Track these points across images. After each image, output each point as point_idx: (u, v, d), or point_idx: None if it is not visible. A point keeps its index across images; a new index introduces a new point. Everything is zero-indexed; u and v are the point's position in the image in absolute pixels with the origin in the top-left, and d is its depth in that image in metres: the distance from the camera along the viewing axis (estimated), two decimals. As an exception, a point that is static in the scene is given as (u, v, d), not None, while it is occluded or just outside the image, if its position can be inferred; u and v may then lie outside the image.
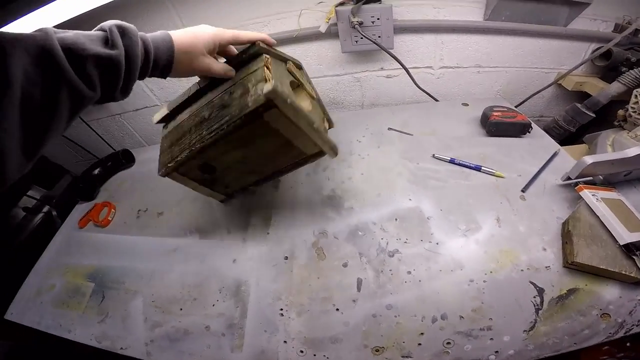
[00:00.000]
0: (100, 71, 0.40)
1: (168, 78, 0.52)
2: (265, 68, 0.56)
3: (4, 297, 0.98)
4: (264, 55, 0.60)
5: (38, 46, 0.34)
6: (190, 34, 0.52)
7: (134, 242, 0.87)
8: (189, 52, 0.51)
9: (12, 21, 0.78)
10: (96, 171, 1.10)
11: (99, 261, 0.86)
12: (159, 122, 0.71)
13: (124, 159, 1.13)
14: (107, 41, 0.41)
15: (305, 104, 0.70)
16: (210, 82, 0.64)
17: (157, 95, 1.18)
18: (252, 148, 0.61)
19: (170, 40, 0.49)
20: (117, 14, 0.98)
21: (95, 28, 0.43)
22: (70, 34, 0.38)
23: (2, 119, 0.32)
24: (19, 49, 0.33)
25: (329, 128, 0.85)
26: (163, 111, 0.70)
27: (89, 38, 0.39)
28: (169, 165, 0.63)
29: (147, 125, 1.29)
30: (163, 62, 0.49)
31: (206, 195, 0.74)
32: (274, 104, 0.51)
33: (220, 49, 0.57)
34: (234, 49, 0.62)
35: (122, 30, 0.43)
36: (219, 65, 0.57)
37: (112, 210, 0.99)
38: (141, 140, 1.34)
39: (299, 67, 0.73)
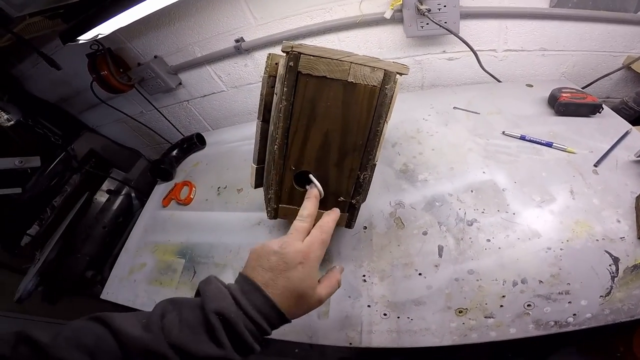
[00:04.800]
0: None
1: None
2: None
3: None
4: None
5: (148, 351, 0.35)
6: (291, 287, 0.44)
7: (218, 218, 0.92)
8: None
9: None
10: (174, 153, 1.20)
11: (187, 238, 0.91)
12: (257, 186, 0.70)
13: (197, 142, 1.23)
14: (213, 336, 0.37)
15: None
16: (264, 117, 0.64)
17: (224, 81, 1.26)
18: (322, 115, 0.54)
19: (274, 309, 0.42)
20: (190, 8, 1.06)
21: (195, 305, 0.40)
22: (174, 324, 0.37)
23: None
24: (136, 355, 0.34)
25: None
26: (253, 171, 0.69)
27: (193, 332, 0.37)
28: (270, 201, 0.60)
29: (213, 111, 1.37)
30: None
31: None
32: (297, 51, 0.49)
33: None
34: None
35: (225, 320, 0.38)
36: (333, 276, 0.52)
37: (193, 188, 1.06)
38: (207, 125, 1.44)
39: None
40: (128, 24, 0.96)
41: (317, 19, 1.06)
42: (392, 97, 0.55)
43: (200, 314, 0.38)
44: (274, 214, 0.62)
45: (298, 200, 0.60)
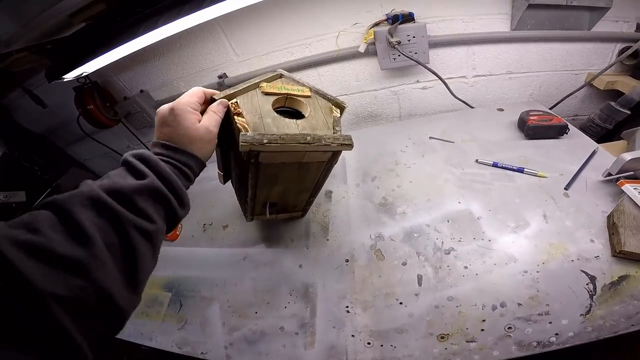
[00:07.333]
0: (150, 202, 0.43)
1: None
2: (235, 117, 0.54)
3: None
4: (229, 103, 0.57)
5: (89, 198, 0.37)
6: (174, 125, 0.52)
7: (204, 253, 0.93)
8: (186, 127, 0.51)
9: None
10: (160, 189, 1.19)
11: (173, 272, 0.91)
12: (226, 182, 0.82)
13: (183, 178, 1.24)
14: (135, 173, 0.44)
15: (302, 108, 0.64)
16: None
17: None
18: (281, 180, 0.66)
19: (174, 145, 0.51)
20: (174, 45, 1.10)
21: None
22: (104, 179, 0.41)
23: (102, 267, 0.34)
24: (77, 205, 0.35)
25: (341, 112, 0.68)
26: (219, 173, 0.79)
27: (120, 177, 0.42)
28: (248, 215, 0.79)
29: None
30: (186, 157, 0.51)
31: (287, 218, 0.87)
32: (256, 150, 0.52)
33: (205, 101, 0.57)
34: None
35: (142, 158, 0.45)
36: (212, 110, 0.55)
37: (179, 225, 1.06)
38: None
39: (280, 76, 0.67)
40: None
41: (297, 55, 1.11)
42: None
43: (120, 165, 0.45)
44: (250, 219, 0.80)
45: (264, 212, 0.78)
